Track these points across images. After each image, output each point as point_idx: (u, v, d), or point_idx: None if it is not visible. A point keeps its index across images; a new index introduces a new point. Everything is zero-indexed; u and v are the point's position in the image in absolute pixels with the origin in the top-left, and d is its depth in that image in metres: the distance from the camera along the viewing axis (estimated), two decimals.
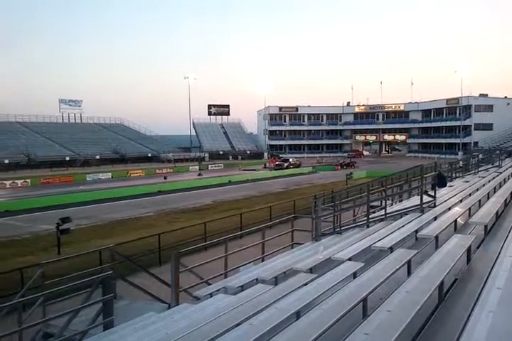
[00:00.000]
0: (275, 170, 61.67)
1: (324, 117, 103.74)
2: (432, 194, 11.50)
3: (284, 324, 4.30)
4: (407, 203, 12.64)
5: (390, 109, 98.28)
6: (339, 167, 62.25)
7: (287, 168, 63.52)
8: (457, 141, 79.65)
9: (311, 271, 7.16)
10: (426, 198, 11.13)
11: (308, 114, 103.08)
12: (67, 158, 70.87)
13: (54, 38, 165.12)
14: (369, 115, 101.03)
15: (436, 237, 7.50)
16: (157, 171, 61.50)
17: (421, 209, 10.76)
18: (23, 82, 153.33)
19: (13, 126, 79.68)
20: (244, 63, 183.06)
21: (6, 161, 63.83)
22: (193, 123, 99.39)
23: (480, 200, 10.88)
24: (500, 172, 18.18)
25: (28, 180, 48.95)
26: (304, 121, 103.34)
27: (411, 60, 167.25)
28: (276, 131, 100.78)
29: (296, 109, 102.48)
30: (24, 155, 67.03)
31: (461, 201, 11.52)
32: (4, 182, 46.66)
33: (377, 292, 4.94)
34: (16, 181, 47.87)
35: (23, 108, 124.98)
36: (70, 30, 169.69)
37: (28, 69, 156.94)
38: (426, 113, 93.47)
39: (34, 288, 8.93)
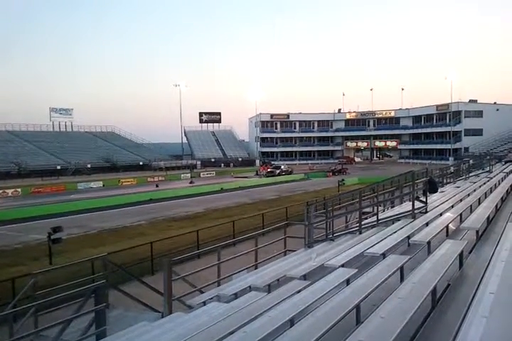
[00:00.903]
0: (267, 177, 61.69)
1: (315, 124, 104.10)
2: (424, 200, 11.56)
3: (278, 331, 4.29)
4: (399, 209, 12.69)
5: (381, 115, 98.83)
6: (331, 173, 62.37)
7: (279, 174, 63.56)
8: (448, 146, 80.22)
9: (304, 278, 7.16)
10: (417, 204, 11.18)
11: (299, 121, 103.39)
12: (58, 167, 70.47)
13: (44, 47, 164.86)
14: (360, 122, 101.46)
15: (429, 243, 7.53)
16: (149, 179, 61.36)
17: (413, 215, 10.81)
18: (13, 91, 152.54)
19: (3, 135, 79.14)
20: (235, 71, 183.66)
21: None
22: (185, 131, 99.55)
23: (471, 205, 10.95)
24: (491, 178, 18.29)
25: (19, 189, 48.64)
26: (295, 128, 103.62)
27: (401, 66, 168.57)
28: (267, 138, 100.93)
29: (288, 116, 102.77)
30: (15, 164, 66.60)
31: (452, 206, 11.59)
32: None
33: (370, 298, 4.95)
34: (6, 190, 47.49)
35: (13, 116, 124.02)
36: (61, 39, 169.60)
37: (18, 78, 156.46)
38: (416, 119, 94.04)
39: (26, 298, 8.85)
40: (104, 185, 55.48)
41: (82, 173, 69.85)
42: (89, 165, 73.93)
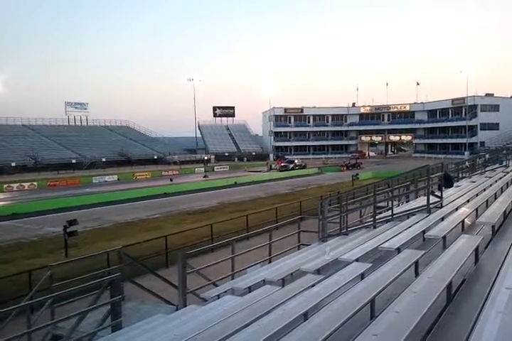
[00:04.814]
0: (280, 171, 61.63)
1: (329, 118, 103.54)
2: (439, 194, 11.48)
3: (292, 325, 4.30)
4: (414, 204, 12.60)
5: (396, 109, 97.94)
6: (345, 168, 62.09)
7: (293, 169, 63.43)
8: (463, 141, 79.34)
9: (318, 272, 7.16)
10: (433, 199, 11.11)
11: (313, 115, 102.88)
12: (74, 161, 71.18)
13: (59, 41, 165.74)
14: (374, 116, 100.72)
15: (444, 238, 7.49)
16: (163, 173, 61.64)
17: (428, 209, 10.74)
18: (29, 85, 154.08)
19: (20, 129, 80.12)
20: (249, 65, 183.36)
21: (13, 164, 64.21)
22: (199, 125, 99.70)
23: (487, 200, 10.85)
24: (507, 172, 18.11)
25: (35, 183, 49.19)
26: (309, 122, 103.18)
27: (416, 60, 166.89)
28: (281, 132, 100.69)
29: (301, 110, 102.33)
30: (31, 158, 67.39)
31: (468, 201, 11.49)
32: (11, 185, 46.89)
33: (384, 293, 4.94)
34: (23, 184, 48.09)
35: (29, 111, 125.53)
36: (75, 32, 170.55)
37: (34, 72, 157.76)
38: (432, 113, 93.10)
39: (42, 290, 8.96)
40: (118, 179, 55.84)
41: (97, 167, 70.46)
42: (104, 159, 74.51)
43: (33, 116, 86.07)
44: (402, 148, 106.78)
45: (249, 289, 7.48)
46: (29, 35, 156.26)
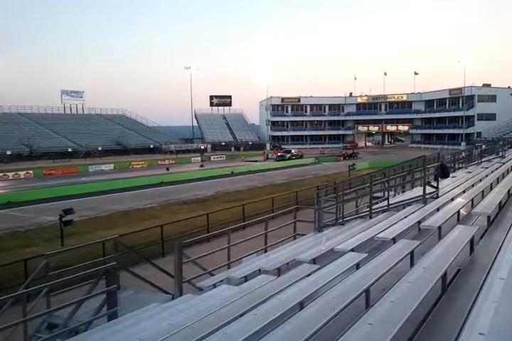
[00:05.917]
0: (277, 161, 61.63)
1: (326, 108, 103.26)
2: (435, 185, 11.49)
3: (288, 314, 4.31)
4: (410, 194, 12.63)
5: (393, 99, 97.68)
6: (342, 158, 62.12)
7: (289, 159, 63.43)
8: (460, 131, 79.36)
9: (313, 261, 7.18)
10: (429, 189, 11.12)
11: (310, 105, 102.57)
12: (70, 150, 70.96)
13: (55, 29, 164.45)
14: (371, 105, 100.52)
15: (439, 228, 7.50)
16: (159, 162, 61.59)
17: (424, 200, 10.76)
18: (24, 73, 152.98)
19: (15, 117, 79.63)
20: (246, 54, 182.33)
21: (9, 152, 63.97)
22: (195, 114, 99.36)
23: (483, 191, 10.87)
24: (504, 163, 18.11)
25: (31, 172, 49.08)
26: (306, 112, 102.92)
27: (414, 49, 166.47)
28: (278, 121, 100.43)
29: (299, 99, 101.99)
30: (26, 147, 67.08)
31: (464, 192, 11.51)
32: (7, 173, 46.75)
33: (380, 283, 4.95)
34: (18, 172, 47.99)
35: (24, 99, 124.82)
36: (72, 21, 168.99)
37: (30, 61, 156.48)
38: (429, 103, 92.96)
39: (38, 279, 8.97)
40: (115, 168, 55.84)
41: (93, 156, 70.26)
42: (100, 148, 74.26)
43: (29, 104, 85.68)
44: (399, 138, 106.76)
45: (245, 278, 7.51)
46: (26, 23, 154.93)
